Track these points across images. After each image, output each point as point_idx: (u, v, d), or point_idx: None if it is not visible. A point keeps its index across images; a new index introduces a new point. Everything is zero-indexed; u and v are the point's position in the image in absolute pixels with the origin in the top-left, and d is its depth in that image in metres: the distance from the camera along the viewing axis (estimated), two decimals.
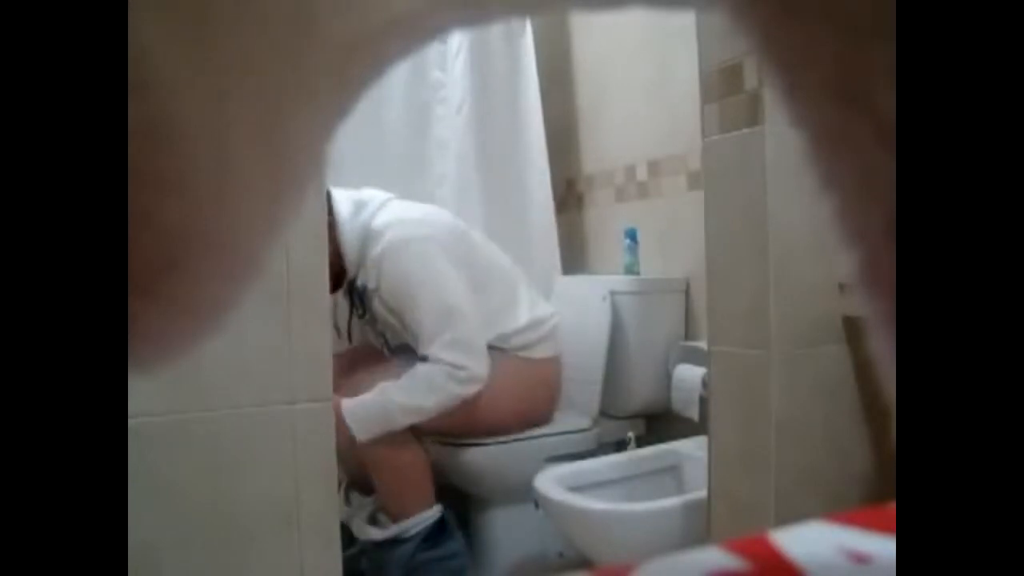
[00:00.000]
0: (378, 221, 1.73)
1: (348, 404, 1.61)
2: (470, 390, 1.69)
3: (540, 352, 1.86)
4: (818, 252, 1.19)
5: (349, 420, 1.60)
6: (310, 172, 0.22)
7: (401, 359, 1.83)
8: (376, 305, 1.76)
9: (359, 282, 1.76)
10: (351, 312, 1.85)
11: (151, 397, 0.96)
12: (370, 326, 1.88)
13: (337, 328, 1.89)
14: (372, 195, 1.80)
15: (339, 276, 1.76)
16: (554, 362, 1.90)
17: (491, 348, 1.82)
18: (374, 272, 1.71)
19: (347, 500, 1.82)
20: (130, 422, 0.91)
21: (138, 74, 0.17)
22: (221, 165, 0.19)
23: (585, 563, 1.61)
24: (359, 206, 1.76)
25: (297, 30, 0.19)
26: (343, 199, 1.75)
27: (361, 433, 1.61)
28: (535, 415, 1.85)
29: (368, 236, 1.72)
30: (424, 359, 1.68)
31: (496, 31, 2.32)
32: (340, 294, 1.83)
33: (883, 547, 0.31)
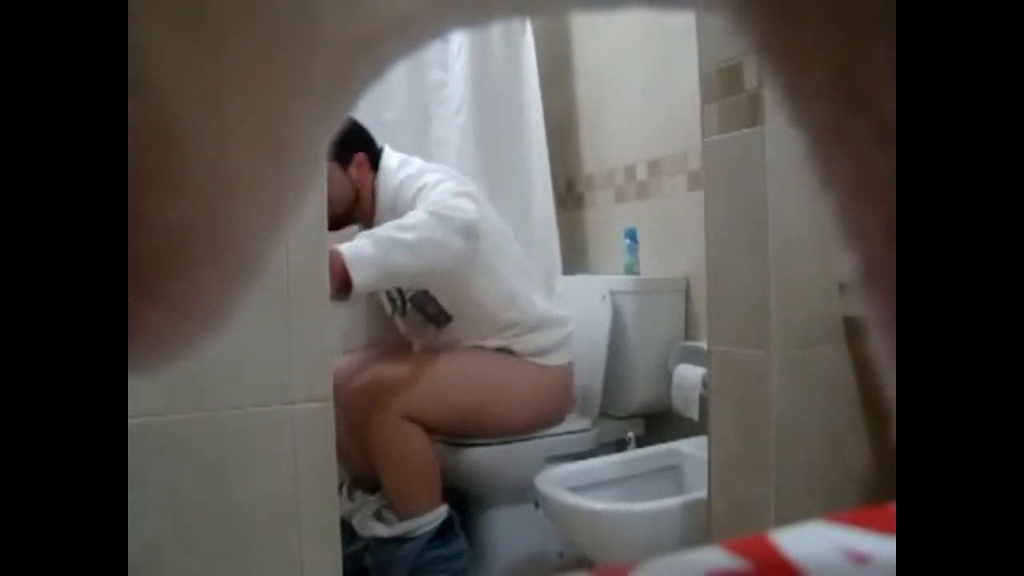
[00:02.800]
0: (416, 170, 1.81)
1: (346, 246, 1.54)
2: (460, 241, 1.63)
3: (554, 359, 1.86)
4: (818, 252, 1.19)
5: (350, 258, 1.50)
6: (310, 172, 0.22)
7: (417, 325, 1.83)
8: None
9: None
10: None
11: (151, 397, 0.96)
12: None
13: (391, 300, 1.90)
14: (411, 158, 1.89)
15: (344, 216, 1.79)
16: (567, 369, 1.90)
17: (502, 351, 1.83)
18: (403, 207, 1.73)
19: (350, 497, 1.82)
20: (130, 422, 0.91)
21: (138, 74, 0.17)
22: (221, 165, 0.19)
23: (585, 563, 1.61)
24: (404, 162, 1.84)
25: (297, 30, 0.19)
26: (392, 154, 1.86)
27: (359, 272, 1.50)
28: (545, 421, 1.86)
29: (405, 183, 1.78)
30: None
31: (496, 31, 2.32)
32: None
33: (883, 547, 0.31)
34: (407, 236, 1.57)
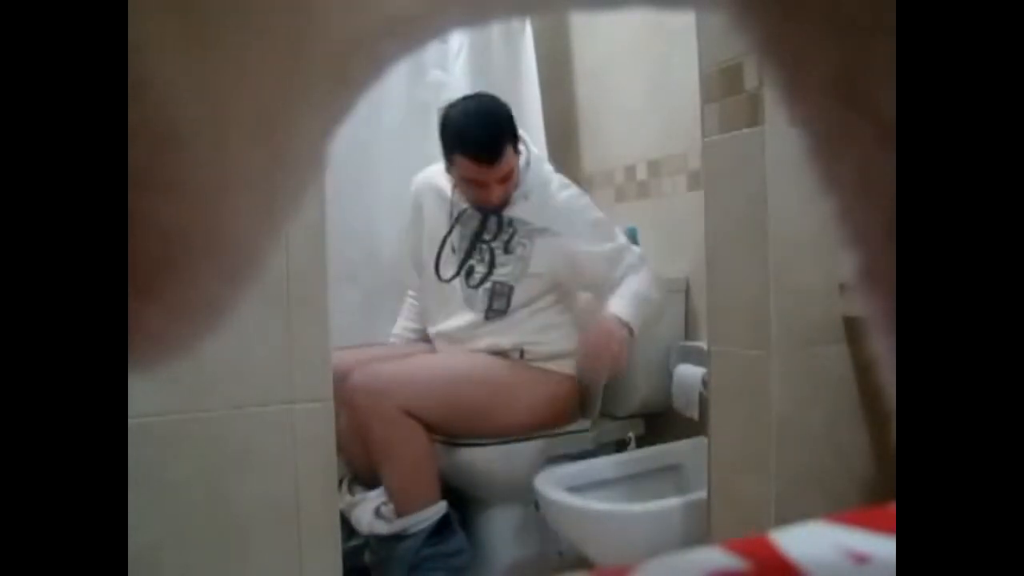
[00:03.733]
0: (552, 171, 1.92)
1: (624, 313, 1.71)
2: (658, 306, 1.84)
3: (562, 367, 1.86)
4: (818, 252, 1.19)
5: (629, 311, 1.70)
6: (310, 172, 0.22)
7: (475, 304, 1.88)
8: (537, 242, 1.82)
9: (510, 213, 1.83)
10: (478, 233, 1.87)
11: (151, 397, 0.96)
12: (489, 251, 1.87)
13: (452, 248, 1.92)
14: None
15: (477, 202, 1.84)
16: (573, 378, 1.90)
17: (514, 351, 1.83)
18: (550, 211, 1.82)
19: (350, 492, 1.82)
20: (130, 422, 0.91)
21: (137, 74, 0.17)
22: (220, 165, 0.19)
23: (585, 563, 1.61)
24: (542, 158, 1.94)
25: (296, 30, 0.19)
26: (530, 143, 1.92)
27: (638, 320, 1.73)
28: (545, 426, 1.84)
29: (544, 177, 1.86)
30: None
31: (496, 31, 2.32)
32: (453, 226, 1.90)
33: (883, 547, 0.31)
34: (651, 310, 1.79)
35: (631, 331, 1.71)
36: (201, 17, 0.17)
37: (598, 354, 1.68)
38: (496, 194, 1.79)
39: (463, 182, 1.81)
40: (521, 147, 1.85)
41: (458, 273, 1.89)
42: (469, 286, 1.88)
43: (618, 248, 1.82)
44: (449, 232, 1.90)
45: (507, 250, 1.84)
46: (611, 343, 1.68)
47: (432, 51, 2.22)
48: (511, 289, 1.84)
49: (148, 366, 0.21)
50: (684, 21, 1.65)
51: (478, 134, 1.70)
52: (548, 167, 1.92)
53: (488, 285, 1.85)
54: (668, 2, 0.29)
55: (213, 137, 0.18)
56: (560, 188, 1.87)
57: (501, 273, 1.85)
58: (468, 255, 1.88)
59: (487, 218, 1.85)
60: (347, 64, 0.20)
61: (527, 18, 2.06)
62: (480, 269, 1.87)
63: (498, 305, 1.85)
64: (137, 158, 0.17)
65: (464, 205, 1.87)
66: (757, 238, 1.21)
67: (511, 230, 1.84)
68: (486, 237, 1.86)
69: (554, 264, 1.82)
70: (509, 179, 1.78)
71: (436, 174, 1.94)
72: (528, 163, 1.84)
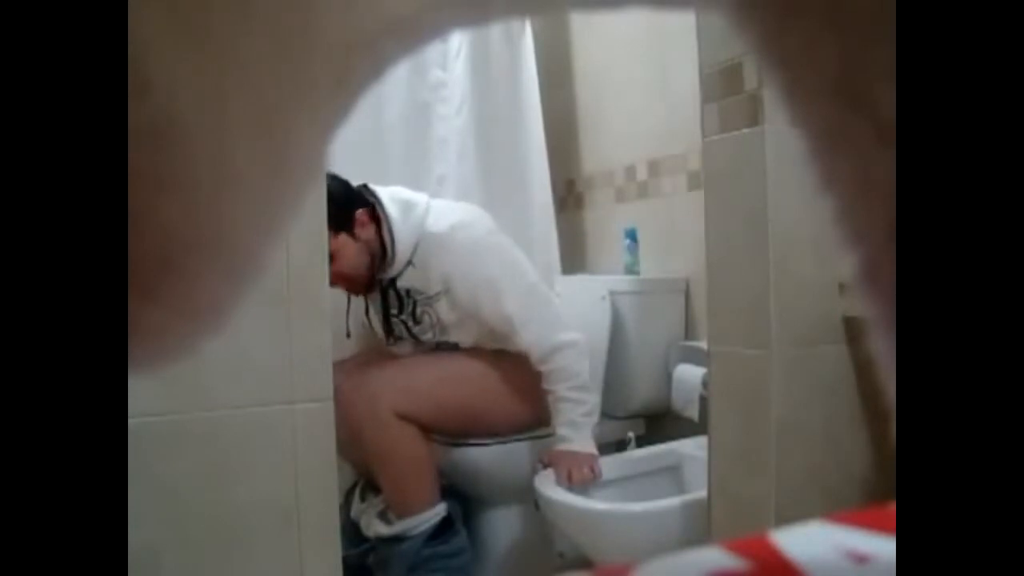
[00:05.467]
0: (435, 225, 1.74)
1: (578, 443, 1.67)
2: (585, 346, 1.75)
3: None
4: (818, 252, 1.19)
5: (584, 435, 1.68)
6: (310, 172, 0.22)
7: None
8: (440, 307, 1.77)
9: (403, 283, 1.77)
10: (385, 309, 1.85)
11: (151, 397, 0.96)
12: (403, 323, 1.85)
13: (349, 330, 1.90)
14: (415, 196, 1.81)
15: (370, 276, 1.77)
16: None
17: (497, 352, 1.83)
18: (439, 275, 1.72)
19: (362, 498, 1.82)
20: (130, 422, 0.91)
21: (138, 75, 0.17)
22: (220, 165, 0.19)
23: (585, 563, 1.61)
24: (406, 207, 1.76)
25: (296, 31, 0.19)
26: (387, 200, 1.76)
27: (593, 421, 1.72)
28: (543, 418, 1.82)
29: (426, 239, 1.73)
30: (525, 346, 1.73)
31: (496, 31, 2.32)
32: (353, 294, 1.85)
33: (883, 547, 0.31)
34: (588, 395, 1.72)
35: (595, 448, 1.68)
36: (202, 18, 0.17)
37: (573, 477, 1.63)
38: (336, 284, 1.69)
39: None
40: (393, 211, 1.73)
41: (390, 342, 1.91)
42: (413, 344, 1.91)
43: (522, 309, 1.71)
44: (367, 311, 1.92)
45: (416, 320, 1.83)
46: (583, 472, 1.63)
47: (432, 51, 2.22)
48: (447, 341, 1.85)
49: (148, 366, 0.21)
50: (684, 21, 1.65)
51: None
52: (416, 216, 1.74)
53: (424, 339, 1.87)
54: (668, 2, 0.29)
55: (213, 137, 0.18)
56: (447, 237, 1.72)
57: (425, 338, 1.86)
58: (388, 329, 1.89)
59: (385, 294, 1.83)
60: (347, 64, 0.20)
61: (527, 18, 2.06)
62: (408, 338, 1.89)
63: (445, 347, 1.88)
64: (138, 158, 0.17)
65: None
66: (757, 238, 1.21)
67: (411, 301, 1.80)
68: (393, 312, 1.85)
69: (467, 317, 1.78)
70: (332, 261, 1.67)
71: None
72: (389, 228, 1.72)
